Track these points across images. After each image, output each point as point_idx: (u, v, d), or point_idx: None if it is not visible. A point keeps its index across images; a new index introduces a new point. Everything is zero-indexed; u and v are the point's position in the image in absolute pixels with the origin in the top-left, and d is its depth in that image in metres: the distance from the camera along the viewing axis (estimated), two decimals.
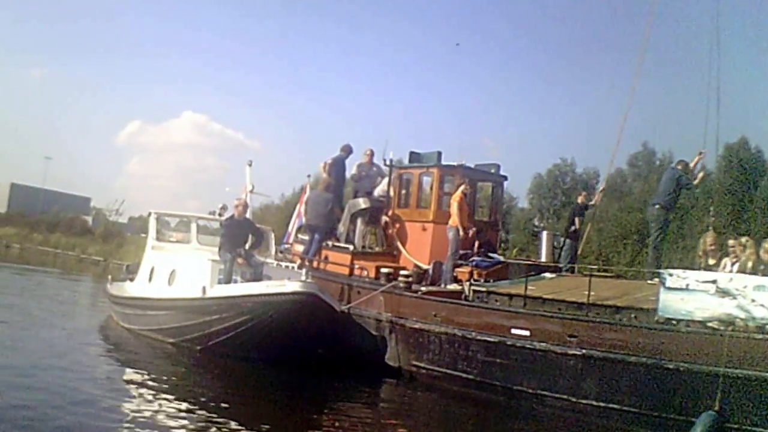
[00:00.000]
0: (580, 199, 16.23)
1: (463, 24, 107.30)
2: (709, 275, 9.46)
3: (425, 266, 14.21)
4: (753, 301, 8.88)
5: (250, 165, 16.14)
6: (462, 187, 13.91)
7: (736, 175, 28.25)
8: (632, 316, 10.19)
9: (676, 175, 13.09)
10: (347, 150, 16.46)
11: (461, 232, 13.65)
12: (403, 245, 15.11)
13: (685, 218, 26.97)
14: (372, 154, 16.44)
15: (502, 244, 31.67)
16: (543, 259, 14.81)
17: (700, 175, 13.58)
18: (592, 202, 16.37)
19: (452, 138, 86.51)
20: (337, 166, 16.15)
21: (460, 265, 13.71)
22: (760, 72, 48.89)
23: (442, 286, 13.30)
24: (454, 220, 13.67)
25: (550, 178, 40.47)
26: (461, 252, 14.02)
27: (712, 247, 10.56)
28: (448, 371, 11.74)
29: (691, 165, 13.37)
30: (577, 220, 15.25)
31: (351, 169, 16.56)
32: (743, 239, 10.51)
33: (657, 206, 13.12)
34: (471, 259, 13.80)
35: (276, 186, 77.69)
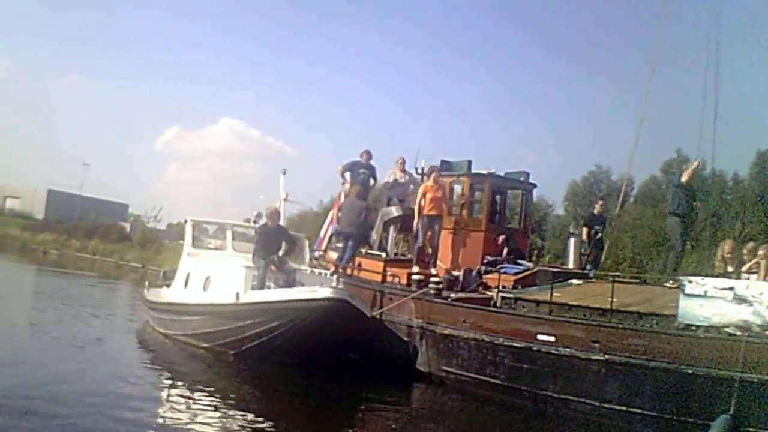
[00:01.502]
0: (596, 209, 16.44)
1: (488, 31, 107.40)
2: (727, 282, 9.73)
3: (456, 273, 14.53)
4: None
5: (284, 173, 16.54)
6: (433, 175, 14.58)
7: None
8: (654, 322, 10.48)
9: (675, 182, 13.42)
10: (366, 156, 16.68)
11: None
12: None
13: (717, 225, 26.92)
14: (403, 162, 16.74)
15: (536, 251, 31.91)
16: (570, 265, 15.04)
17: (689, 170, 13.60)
18: (596, 212, 16.54)
19: (490, 146, 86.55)
20: (355, 172, 16.42)
21: (489, 272, 14.05)
22: None
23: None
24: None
25: (585, 185, 40.51)
26: (491, 258, 14.37)
27: (729, 255, 10.80)
28: (477, 376, 12.01)
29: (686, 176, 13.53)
30: (585, 229, 15.55)
31: (384, 177, 16.91)
32: (751, 246, 10.77)
33: (671, 215, 13.38)
34: (500, 266, 14.11)
35: (315, 193, 78.20)
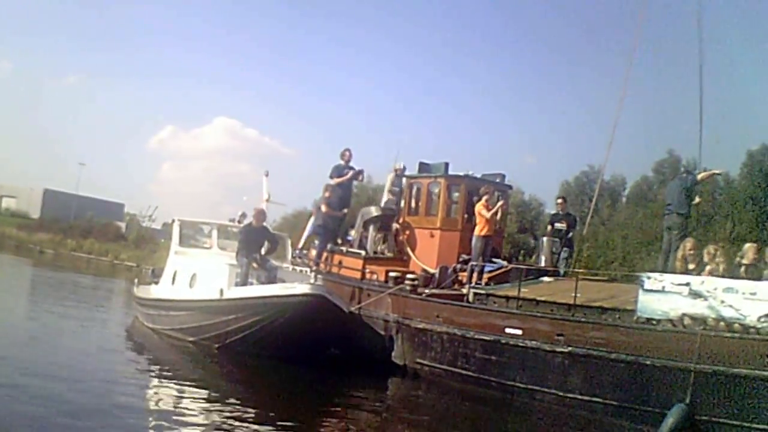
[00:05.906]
0: (557, 208, 16.57)
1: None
2: (684, 278, 10.01)
3: (432, 270, 14.91)
4: (722, 302, 9.46)
5: (266, 176, 16.83)
6: (485, 197, 14.49)
7: (758, 182, 28.21)
8: (617, 316, 10.80)
9: (687, 184, 13.29)
10: (348, 155, 17.12)
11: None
12: (413, 251, 15.83)
13: (708, 226, 27.01)
14: (403, 168, 17.16)
15: (523, 251, 32.21)
16: (542, 263, 15.27)
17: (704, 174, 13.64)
18: (560, 210, 16.57)
19: (487, 149, 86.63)
20: (341, 173, 16.86)
21: (464, 269, 14.33)
22: None
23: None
24: (478, 229, 14.39)
25: (578, 185, 40.62)
26: (466, 257, 14.64)
27: (692, 252, 10.98)
28: (449, 368, 12.40)
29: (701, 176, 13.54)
30: (550, 227, 15.79)
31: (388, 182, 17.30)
32: (712, 248, 10.99)
33: (675, 214, 13.26)
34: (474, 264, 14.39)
35: (311, 192, 78.09)
